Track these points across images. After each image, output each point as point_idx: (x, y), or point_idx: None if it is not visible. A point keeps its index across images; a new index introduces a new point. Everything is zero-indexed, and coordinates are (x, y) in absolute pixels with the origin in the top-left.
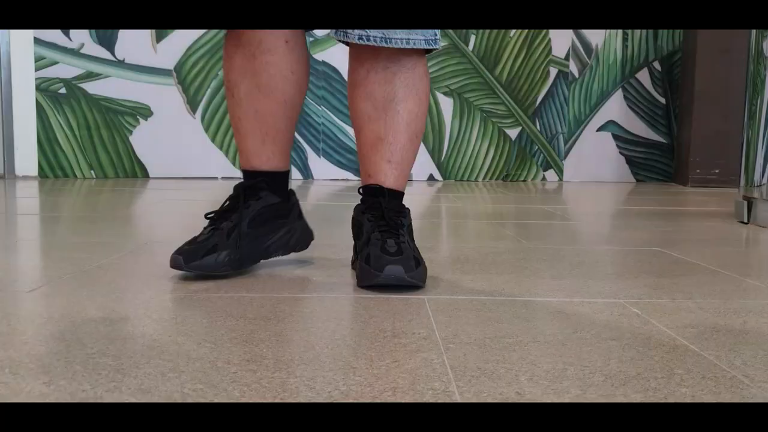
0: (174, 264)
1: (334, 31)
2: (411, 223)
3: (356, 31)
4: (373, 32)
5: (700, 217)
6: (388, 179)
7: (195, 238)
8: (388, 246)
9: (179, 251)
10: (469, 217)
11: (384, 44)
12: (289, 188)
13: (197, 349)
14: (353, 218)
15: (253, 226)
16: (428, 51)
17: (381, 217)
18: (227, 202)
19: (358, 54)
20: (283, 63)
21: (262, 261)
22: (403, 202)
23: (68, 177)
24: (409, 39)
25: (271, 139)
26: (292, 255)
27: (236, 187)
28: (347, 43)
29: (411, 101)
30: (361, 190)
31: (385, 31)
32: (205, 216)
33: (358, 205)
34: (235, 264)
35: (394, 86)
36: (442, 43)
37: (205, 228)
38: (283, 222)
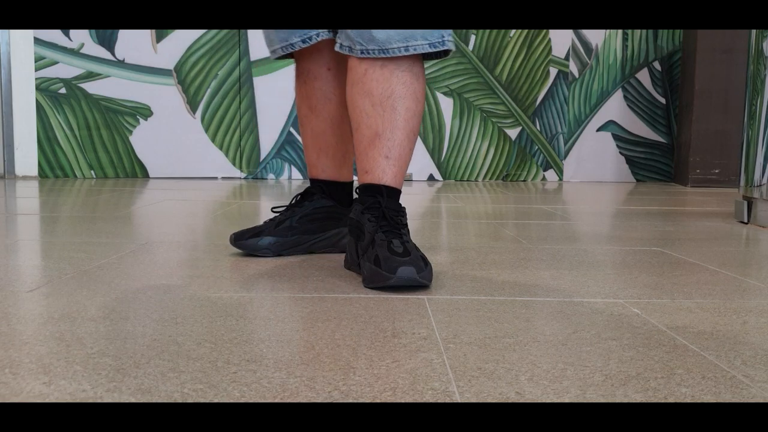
0: (230, 241)
1: (338, 45)
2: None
3: (357, 47)
4: (371, 45)
5: (700, 217)
6: (386, 175)
7: (256, 226)
8: (394, 246)
9: (235, 232)
10: (469, 217)
11: (381, 55)
12: (353, 198)
13: (197, 349)
14: (350, 218)
15: (303, 222)
16: (437, 54)
17: (382, 217)
18: (291, 201)
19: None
20: (326, 87)
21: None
22: (401, 202)
23: (68, 177)
24: (407, 46)
25: (324, 154)
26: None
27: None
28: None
29: (409, 99)
30: (357, 190)
31: (382, 42)
32: (272, 209)
33: (355, 205)
34: (276, 248)
35: (392, 84)
36: None
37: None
38: (334, 224)
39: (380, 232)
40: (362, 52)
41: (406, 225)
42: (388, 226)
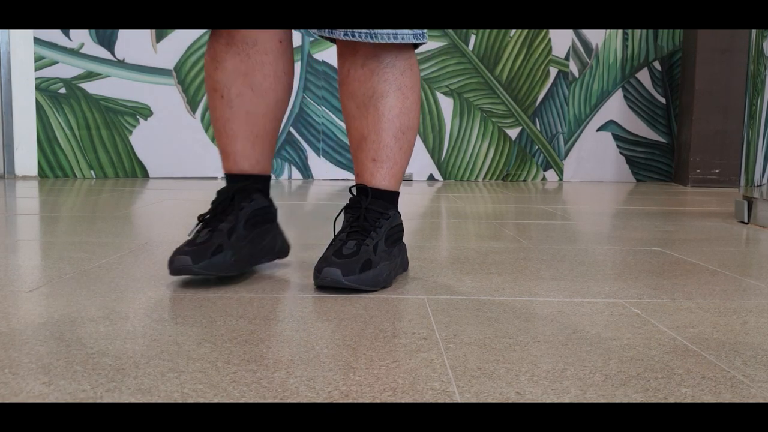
0: (178, 266)
1: (318, 30)
2: (397, 226)
3: (341, 29)
4: (358, 29)
5: (700, 217)
6: (374, 178)
7: (193, 240)
8: (346, 247)
9: (182, 252)
10: (469, 217)
11: (369, 39)
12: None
13: (197, 349)
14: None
15: (247, 228)
16: (415, 45)
17: (358, 217)
18: (216, 205)
19: (341, 52)
20: (278, 63)
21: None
22: (394, 203)
23: (68, 177)
24: (396, 34)
25: (260, 141)
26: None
27: (223, 191)
28: (333, 40)
29: (391, 97)
30: (352, 189)
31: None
32: (198, 217)
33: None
34: (238, 265)
35: (373, 83)
36: (442, 43)
37: (199, 230)
38: (270, 227)
39: (344, 233)
40: (346, 35)
41: (387, 228)
42: (358, 227)
